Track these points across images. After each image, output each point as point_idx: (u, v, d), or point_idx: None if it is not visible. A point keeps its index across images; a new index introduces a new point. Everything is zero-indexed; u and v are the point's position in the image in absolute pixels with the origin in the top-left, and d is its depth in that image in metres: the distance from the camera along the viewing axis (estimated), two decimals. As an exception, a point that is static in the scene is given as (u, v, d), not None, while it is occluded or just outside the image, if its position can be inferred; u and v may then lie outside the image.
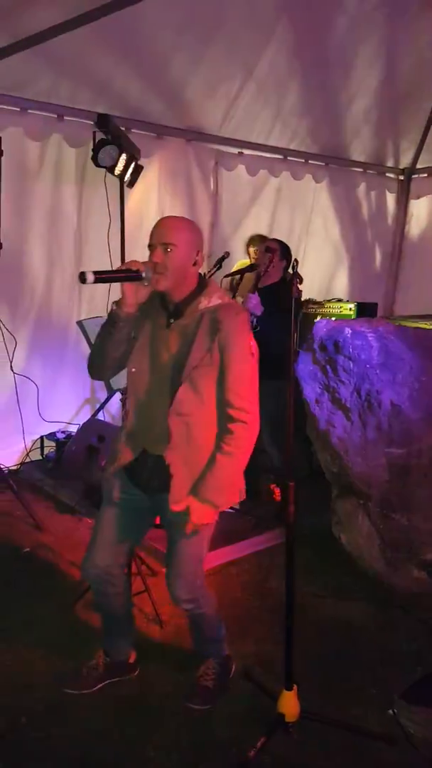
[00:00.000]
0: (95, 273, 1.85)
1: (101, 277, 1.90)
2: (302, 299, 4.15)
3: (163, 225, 2.03)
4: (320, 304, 4.25)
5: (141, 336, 2.08)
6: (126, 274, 1.95)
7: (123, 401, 3.44)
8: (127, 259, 3.67)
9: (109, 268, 3.86)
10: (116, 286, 2.00)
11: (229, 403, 2.00)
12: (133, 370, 2.09)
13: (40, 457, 4.56)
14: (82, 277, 1.84)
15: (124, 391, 2.65)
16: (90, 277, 1.83)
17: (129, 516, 2.18)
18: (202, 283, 2.09)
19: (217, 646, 2.41)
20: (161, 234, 1.99)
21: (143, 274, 1.93)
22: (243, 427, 2.00)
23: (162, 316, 2.08)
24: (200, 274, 2.10)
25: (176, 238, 1.97)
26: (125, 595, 2.33)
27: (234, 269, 4.08)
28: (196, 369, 1.97)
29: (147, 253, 2.02)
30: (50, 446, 4.55)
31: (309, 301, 4.31)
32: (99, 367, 2.18)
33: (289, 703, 2.13)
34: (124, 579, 2.32)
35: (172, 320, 2.05)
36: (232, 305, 2.06)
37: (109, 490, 2.18)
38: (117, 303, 2.00)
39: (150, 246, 2.00)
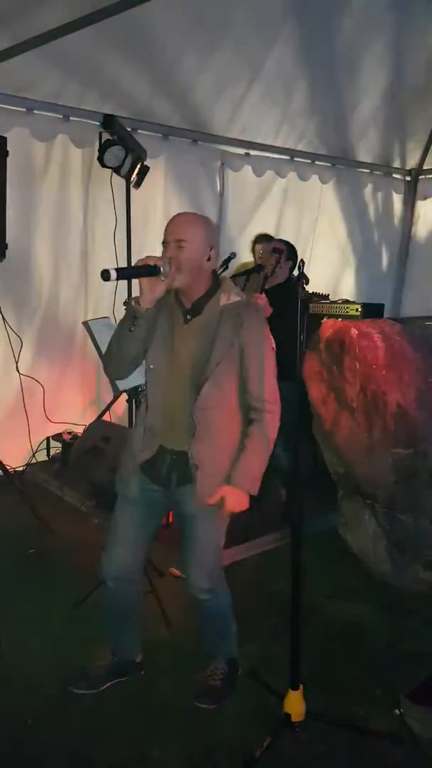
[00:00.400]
0: (117, 270, 1.90)
1: (123, 273, 1.96)
2: (308, 292, 4.13)
3: (176, 221, 2.06)
4: (325, 297, 4.21)
5: (158, 333, 2.10)
6: (144, 269, 1.98)
7: (133, 400, 3.46)
8: (133, 260, 3.70)
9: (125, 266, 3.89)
10: (122, 288, 2.01)
11: (257, 396, 2.07)
12: (152, 367, 2.11)
13: (46, 458, 4.57)
14: (106, 275, 1.88)
15: (139, 390, 2.66)
16: (113, 274, 1.88)
17: (147, 513, 2.21)
18: (217, 280, 2.13)
19: (227, 643, 2.42)
20: (174, 230, 2.02)
21: (161, 269, 1.96)
22: (271, 417, 2.08)
23: (179, 313, 2.11)
24: (214, 271, 2.13)
25: (189, 234, 2.00)
26: (139, 593, 2.38)
27: (235, 270, 4.08)
28: (219, 365, 2.01)
29: (156, 252, 2.04)
30: (56, 447, 4.55)
31: (315, 295, 4.27)
32: (117, 364, 2.21)
33: (295, 703, 2.13)
34: (140, 577, 2.36)
35: (190, 317, 2.08)
36: (251, 302, 2.11)
37: (126, 488, 2.20)
38: (135, 299, 2.03)
39: (164, 243, 2.04)
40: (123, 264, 4.03)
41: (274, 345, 2.09)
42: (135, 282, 3.92)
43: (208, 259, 2.05)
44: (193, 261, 2.01)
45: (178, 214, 2.12)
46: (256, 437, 2.08)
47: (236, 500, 2.07)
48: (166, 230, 2.04)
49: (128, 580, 2.26)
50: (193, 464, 2.07)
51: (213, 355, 2.02)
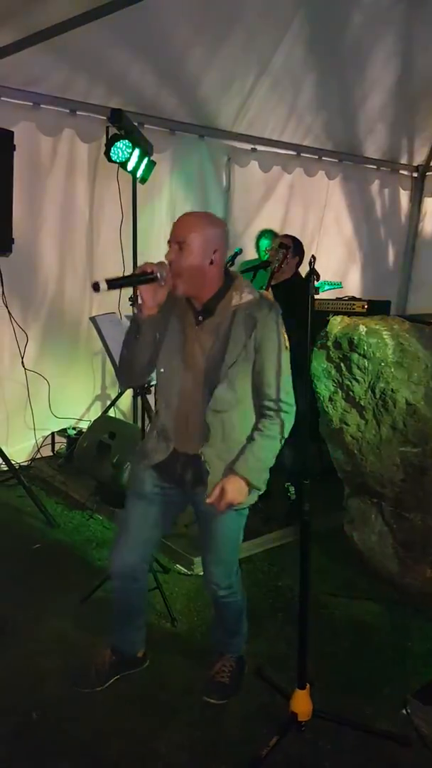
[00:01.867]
0: (108, 281, 1.84)
1: (115, 283, 1.87)
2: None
3: (181, 221, 2.00)
4: (337, 284, 4.16)
5: (169, 335, 2.05)
6: (140, 277, 1.91)
7: (138, 396, 3.43)
8: (139, 256, 3.69)
9: (121, 272, 3.88)
10: None
11: (273, 396, 2.01)
12: (162, 370, 2.07)
13: (51, 454, 4.57)
14: (96, 287, 1.82)
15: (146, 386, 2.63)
16: (103, 286, 1.82)
17: (160, 510, 2.17)
18: (230, 277, 2.05)
19: (237, 641, 2.41)
20: (177, 231, 1.96)
21: (158, 275, 1.89)
22: (286, 417, 2.03)
23: (190, 314, 2.05)
24: (227, 268, 2.06)
25: (189, 236, 1.93)
26: (145, 591, 2.36)
27: (239, 267, 4.06)
28: (233, 366, 1.97)
29: (159, 249, 2.03)
30: (61, 442, 4.55)
31: (327, 283, 4.21)
32: (129, 374, 2.16)
33: (302, 702, 2.12)
34: (146, 575, 2.34)
35: (201, 318, 2.03)
36: (264, 300, 2.03)
37: (140, 484, 2.16)
38: (138, 307, 1.98)
39: (168, 243, 1.98)
40: (129, 259, 4.02)
41: (288, 344, 2.04)
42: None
43: (211, 263, 1.96)
44: (193, 267, 1.93)
45: (186, 213, 2.05)
46: (267, 433, 2.03)
47: (236, 490, 1.98)
48: (171, 229, 1.99)
49: (134, 578, 2.23)
50: (206, 469, 2.03)
51: (226, 356, 1.96)
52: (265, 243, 4.55)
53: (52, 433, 4.55)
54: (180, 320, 2.06)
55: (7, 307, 3.94)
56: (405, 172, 5.93)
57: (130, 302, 3.09)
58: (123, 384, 2.26)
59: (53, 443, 4.59)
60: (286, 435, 2.06)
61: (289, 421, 2.05)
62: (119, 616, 2.37)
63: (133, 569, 2.21)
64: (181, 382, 2.05)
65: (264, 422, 2.03)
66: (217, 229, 2.00)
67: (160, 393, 2.10)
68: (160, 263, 1.92)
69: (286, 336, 2.04)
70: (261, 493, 2.12)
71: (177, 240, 1.94)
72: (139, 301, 1.97)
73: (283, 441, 2.06)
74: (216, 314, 2.01)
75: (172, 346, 2.05)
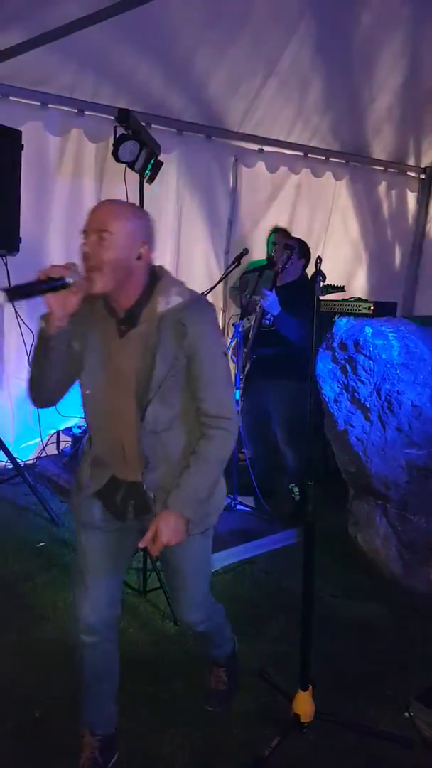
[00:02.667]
0: (7, 291, 1.56)
1: (17, 293, 1.59)
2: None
3: (100, 208, 1.70)
4: (340, 288, 4.15)
5: (90, 351, 1.77)
6: (46, 284, 1.58)
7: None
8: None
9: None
10: None
11: (207, 411, 1.75)
12: (88, 392, 1.81)
13: (56, 452, 4.58)
14: None
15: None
16: (1, 297, 1.53)
17: (119, 538, 1.90)
18: (154, 277, 1.75)
19: (224, 648, 2.28)
20: (96, 218, 1.66)
21: (68, 280, 1.59)
22: (224, 434, 1.77)
23: (111, 324, 1.76)
24: (153, 268, 1.76)
25: (113, 224, 1.64)
26: (117, 647, 1.99)
27: (246, 267, 4.07)
28: (165, 381, 1.71)
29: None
30: (66, 441, 4.56)
31: (330, 287, 4.20)
32: (41, 394, 1.82)
33: (305, 704, 2.12)
34: (117, 625, 2.00)
35: (124, 329, 1.74)
36: (195, 302, 1.74)
37: (89, 515, 1.88)
38: (44, 318, 1.65)
39: (84, 232, 1.67)
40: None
41: (226, 349, 1.81)
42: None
43: (139, 257, 1.68)
44: (118, 260, 1.64)
45: (104, 201, 1.75)
46: (203, 457, 1.76)
47: (170, 529, 1.72)
48: (87, 217, 1.68)
49: (108, 629, 1.90)
50: (150, 497, 1.80)
51: (155, 371, 1.69)
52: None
53: (57, 432, 4.56)
54: (100, 333, 1.77)
55: (14, 306, 3.95)
56: (412, 174, 5.91)
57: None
58: (37, 405, 1.87)
59: (58, 442, 4.60)
60: (226, 456, 1.80)
61: (230, 438, 1.78)
62: (94, 687, 1.96)
63: (108, 616, 1.89)
64: (110, 404, 1.79)
65: (200, 443, 1.76)
66: (145, 220, 1.73)
67: (89, 417, 1.85)
68: (69, 265, 1.62)
69: (223, 340, 1.82)
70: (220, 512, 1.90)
71: (97, 228, 1.64)
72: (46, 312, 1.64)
73: (224, 462, 1.80)
74: (140, 324, 1.72)
75: (94, 363, 1.77)
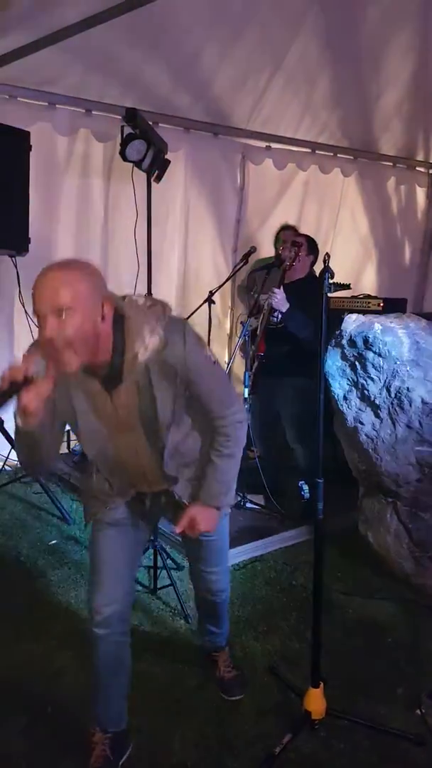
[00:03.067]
0: None
1: None
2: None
3: (46, 283, 1.54)
4: (346, 286, 4.13)
5: (81, 418, 1.74)
6: (11, 389, 1.50)
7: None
8: (153, 255, 3.66)
9: (135, 271, 3.85)
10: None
11: (218, 413, 1.82)
12: (94, 453, 1.85)
13: (67, 451, 4.60)
14: None
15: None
16: None
17: (135, 534, 2.00)
18: (120, 321, 1.64)
19: (226, 628, 2.40)
20: (48, 296, 1.52)
21: (33, 375, 1.52)
22: (239, 427, 1.87)
23: (92, 383, 1.70)
24: (117, 312, 1.65)
25: (69, 297, 1.51)
26: (129, 641, 2.01)
27: (253, 265, 4.05)
28: (172, 413, 1.76)
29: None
30: (75, 439, 4.57)
31: (335, 285, 4.16)
32: (37, 467, 1.88)
33: (316, 701, 2.12)
34: (130, 619, 2.03)
35: (110, 387, 1.69)
36: (170, 334, 1.65)
37: (110, 514, 1.92)
38: (19, 415, 1.58)
39: (37, 315, 1.54)
40: (143, 258, 4.02)
41: (214, 356, 1.83)
42: (156, 276, 3.89)
43: (102, 319, 1.58)
44: (85, 332, 1.53)
45: (47, 271, 1.57)
46: (226, 453, 1.85)
47: (207, 519, 1.86)
48: (36, 298, 1.53)
49: (123, 621, 1.93)
50: (179, 501, 1.92)
51: (159, 412, 1.72)
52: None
53: (68, 431, 4.57)
54: (85, 395, 1.72)
55: (23, 306, 3.97)
56: (421, 169, 5.87)
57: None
58: (31, 475, 1.93)
59: (68, 440, 4.60)
60: (244, 437, 1.90)
61: (243, 429, 1.88)
62: (106, 682, 1.97)
63: (123, 609, 1.91)
64: (123, 455, 1.83)
65: (219, 441, 1.85)
66: (95, 275, 1.62)
67: (102, 470, 1.90)
68: (26, 358, 1.55)
69: (209, 351, 1.80)
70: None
71: (55, 308, 1.51)
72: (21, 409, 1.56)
73: (243, 444, 1.92)
74: (126, 380, 1.68)
75: (90, 427, 1.75)
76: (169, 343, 1.65)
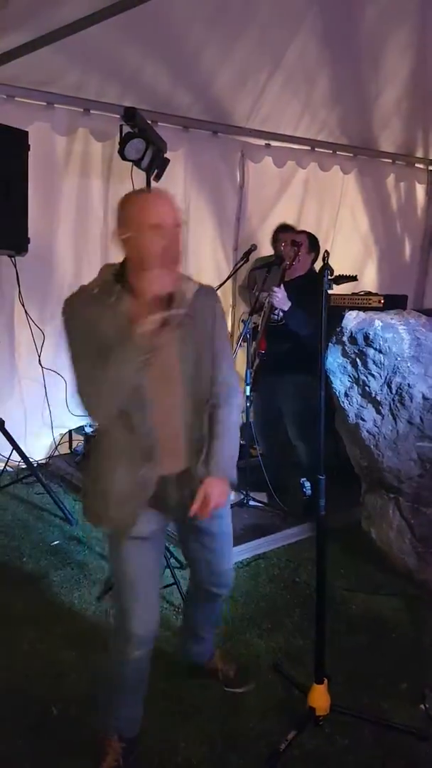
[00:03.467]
0: None
1: None
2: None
3: (166, 202, 1.71)
4: (353, 277, 4.12)
5: (120, 361, 1.66)
6: None
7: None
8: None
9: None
10: None
11: (226, 380, 1.88)
12: (136, 414, 1.75)
13: (69, 451, 4.61)
14: None
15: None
16: None
17: (160, 545, 2.00)
18: None
19: (219, 623, 2.39)
20: (168, 213, 1.69)
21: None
22: (238, 401, 1.93)
23: (124, 321, 1.68)
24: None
25: (179, 218, 1.73)
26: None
27: (253, 264, 4.04)
28: (210, 365, 1.83)
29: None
30: (78, 440, 4.59)
31: (341, 277, 4.13)
32: (109, 408, 1.77)
33: (320, 697, 2.12)
34: None
35: (159, 317, 1.67)
36: (206, 286, 1.86)
37: (138, 527, 1.82)
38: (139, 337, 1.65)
39: (158, 227, 1.66)
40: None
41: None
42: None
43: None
44: (181, 251, 1.74)
45: (156, 194, 1.76)
46: (227, 425, 1.87)
47: (219, 493, 1.84)
48: (152, 211, 1.67)
49: (152, 642, 1.91)
50: (197, 478, 1.85)
51: (204, 357, 1.80)
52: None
53: (70, 431, 4.59)
54: (117, 332, 1.67)
55: (24, 307, 3.98)
56: (421, 166, 5.86)
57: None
58: (96, 420, 1.86)
59: (71, 441, 4.62)
60: (241, 411, 1.96)
61: (240, 403, 1.95)
62: (131, 692, 1.98)
63: (155, 628, 1.89)
64: (160, 415, 1.77)
65: (221, 413, 1.86)
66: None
67: (136, 421, 1.76)
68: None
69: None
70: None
71: (174, 223, 1.68)
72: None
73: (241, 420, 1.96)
74: (174, 305, 1.72)
75: (137, 382, 1.71)
76: (208, 291, 1.84)
